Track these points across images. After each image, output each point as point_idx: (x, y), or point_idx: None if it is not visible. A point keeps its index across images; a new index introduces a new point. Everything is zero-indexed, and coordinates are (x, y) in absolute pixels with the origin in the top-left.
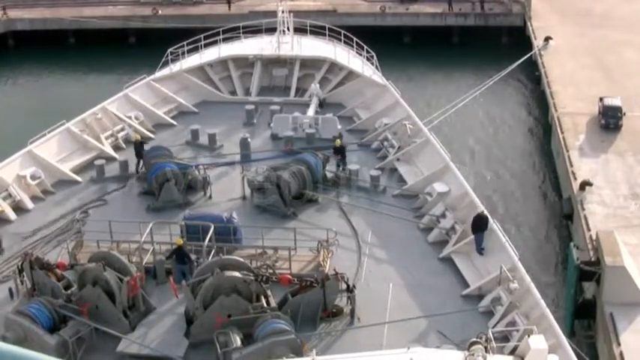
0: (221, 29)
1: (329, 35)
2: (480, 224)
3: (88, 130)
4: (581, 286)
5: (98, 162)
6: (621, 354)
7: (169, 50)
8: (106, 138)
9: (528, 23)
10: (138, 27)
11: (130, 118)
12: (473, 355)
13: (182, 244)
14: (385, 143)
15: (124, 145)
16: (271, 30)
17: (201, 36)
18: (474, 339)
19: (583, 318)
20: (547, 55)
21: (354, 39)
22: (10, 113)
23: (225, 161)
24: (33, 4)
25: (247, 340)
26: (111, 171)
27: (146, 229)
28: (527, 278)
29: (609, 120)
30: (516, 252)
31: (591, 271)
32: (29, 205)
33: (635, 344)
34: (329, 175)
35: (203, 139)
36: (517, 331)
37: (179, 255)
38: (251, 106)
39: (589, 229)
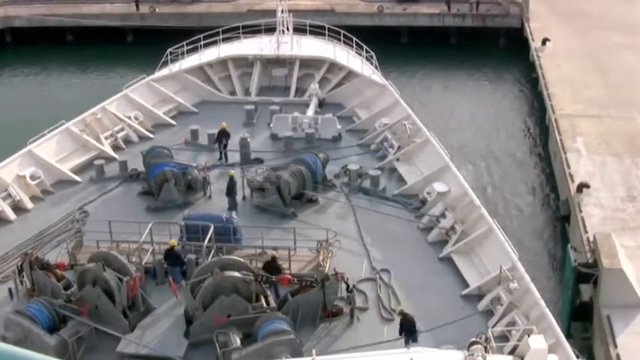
0: (220, 29)
1: (328, 35)
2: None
3: (87, 130)
4: (578, 288)
5: (98, 162)
6: (618, 356)
7: (169, 50)
8: (106, 138)
9: (526, 25)
10: (136, 26)
11: (129, 118)
12: (472, 355)
13: (174, 245)
14: (385, 143)
15: (123, 145)
16: (271, 30)
17: (201, 36)
18: (474, 339)
19: (580, 320)
20: (544, 56)
21: (354, 39)
22: (9, 112)
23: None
24: (31, 0)
25: (247, 340)
26: (110, 171)
27: (146, 229)
28: (527, 278)
29: None
30: (516, 252)
31: (588, 273)
32: (29, 205)
33: (632, 346)
34: None
35: (203, 139)
36: (517, 330)
37: (170, 256)
38: (251, 106)
39: (586, 231)
